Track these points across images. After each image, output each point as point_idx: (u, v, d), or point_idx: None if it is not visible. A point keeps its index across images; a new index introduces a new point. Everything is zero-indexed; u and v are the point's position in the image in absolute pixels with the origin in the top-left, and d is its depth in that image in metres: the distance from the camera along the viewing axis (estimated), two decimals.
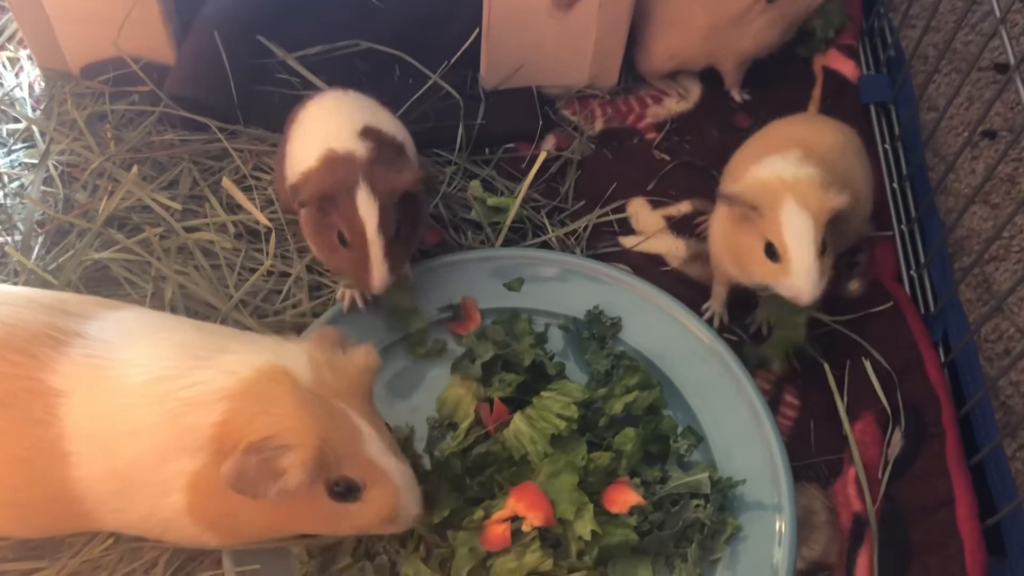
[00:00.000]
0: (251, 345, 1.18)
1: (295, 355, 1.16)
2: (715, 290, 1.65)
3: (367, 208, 1.36)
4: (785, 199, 1.39)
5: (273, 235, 1.64)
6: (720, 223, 1.51)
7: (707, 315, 1.65)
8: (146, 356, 1.16)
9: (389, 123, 1.55)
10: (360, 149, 1.42)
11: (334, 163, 1.40)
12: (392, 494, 1.16)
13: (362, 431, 1.15)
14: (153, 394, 1.12)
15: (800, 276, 1.39)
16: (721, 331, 1.62)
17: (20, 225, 1.66)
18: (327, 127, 1.49)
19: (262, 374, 1.12)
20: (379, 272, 1.38)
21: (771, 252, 1.42)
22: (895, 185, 1.82)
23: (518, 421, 1.40)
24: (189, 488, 1.13)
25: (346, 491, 1.14)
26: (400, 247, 1.41)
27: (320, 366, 1.15)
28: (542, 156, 1.77)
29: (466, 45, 1.85)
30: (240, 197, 1.65)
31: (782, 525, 1.38)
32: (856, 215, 1.54)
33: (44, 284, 1.56)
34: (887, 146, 1.88)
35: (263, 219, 1.65)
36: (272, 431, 1.08)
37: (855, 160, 1.60)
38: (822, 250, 1.40)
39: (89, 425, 1.13)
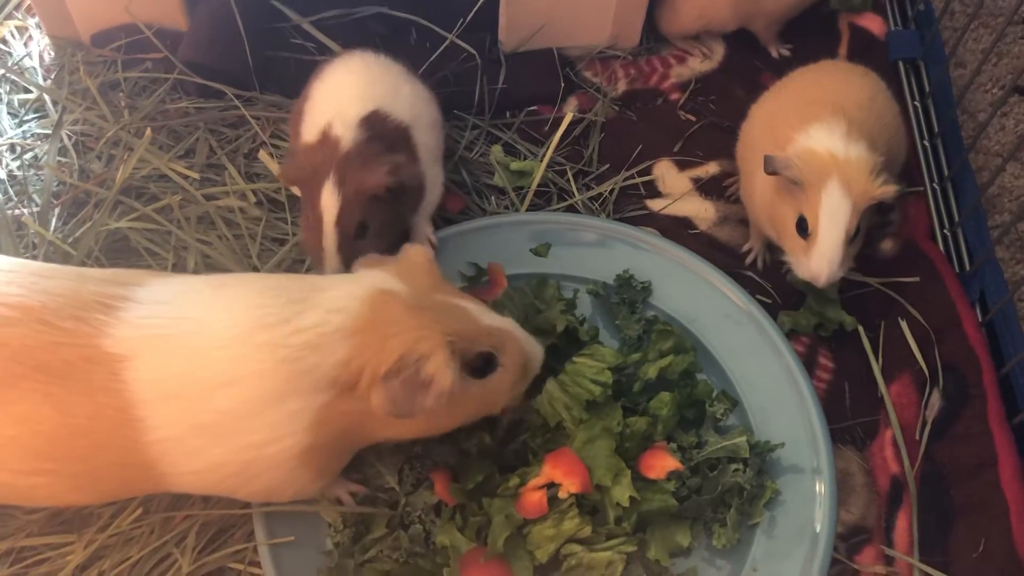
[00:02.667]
0: (342, 279, 1.20)
1: (382, 276, 1.19)
2: (754, 232, 1.64)
3: (328, 202, 1.37)
4: (830, 180, 1.36)
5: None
6: (762, 183, 1.47)
7: (750, 257, 1.64)
8: (229, 308, 1.14)
9: (405, 101, 1.51)
10: (349, 137, 1.40)
11: (321, 146, 1.40)
12: (518, 344, 1.23)
13: (467, 308, 1.20)
14: (256, 343, 1.11)
15: (822, 261, 1.38)
16: (763, 272, 1.62)
17: (36, 197, 1.63)
18: (338, 100, 1.46)
19: (369, 302, 1.14)
20: (330, 264, 1.39)
21: (802, 227, 1.40)
22: (926, 143, 1.78)
23: (551, 387, 1.37)
24: (314, 426, 1.13)
25: (486, 364, 1.20)
26: (363, 245, 1.39)
27: (404, 275, 1.19)
28: (568, 117, 1.73)
29: (480, 2, 1.80)
30: (275, 168, 1.63)
31: (821, 488, 1.36)
32: (892, 164, 1.53)
33: (64, 255, 1.53)
34: (916, 103, 1.83)
35: (295, 189, 1.61)
36: (402, 349, 1.11)
37: (885, 107, 1.57)
38: (853, 236, 1.38)
39: (164, 386, 1.11)
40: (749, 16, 1.86)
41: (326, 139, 1.41)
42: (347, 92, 1.48)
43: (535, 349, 1.27)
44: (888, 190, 1.37)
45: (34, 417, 1.10)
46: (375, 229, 1.40)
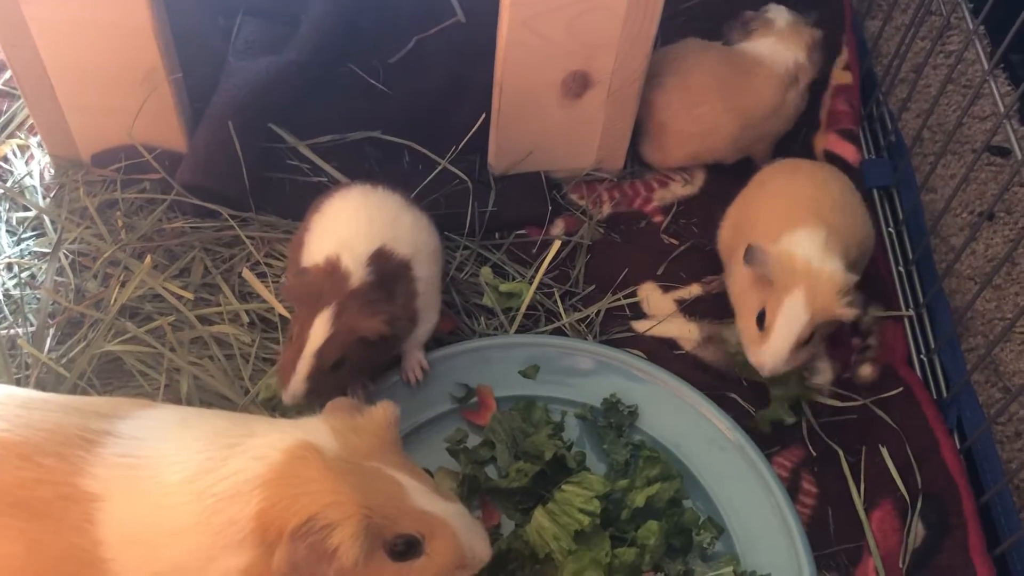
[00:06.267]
0: (274, 426, 1.17)
1: (316, 429, 1.15)
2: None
3: (319, 331, 1.39)
4: (796, 289, 1.44)
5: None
6: (740, 267, 1.54)
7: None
8: (181, 451, 1.13)
9: (407, 233, 1.55)
10: (358, 276, 1.43)
11: (329, 275, 1.43)
12: (454, 537, 1.13)
13: (403, 484, 1.12)
14: (192, 491, 1.09)
15: (769, 355, 1.47)
16: (747, 395, 1.65)
17: (31, 317, 1.65)
18: (348, 231, 1.50)
19: (290, 454, 1.10)
20: (294, 387, 1.40)
21: (760, 318, 1.49)
22: (900, 269, 1.85)
23: (540, 517, 1.39)
24: None
25: (407, 548, 1.11)
26: (333, 379, 1.42)
27: (343, 433, 1.14)
28: (555, 245, 1.78)
29: (472, 131, 1.88)
30: (260, 288, 1.66)
31: None
32: (860, 255, 1.63)
33: (57, 377, 1.55)
34: (891, 229, 1.91)
35: (282, 309, 1.65)
36: (313, 511, 1.05)
37: (854, 201, 1.67)
38: (805, 341, 1.46)
39: (128, 529, 1.09)
40: (750, 146, 1.94)
41: (335, 269, 1.44)
42: (352, 226, 1.51)
43: (479, 545, 1.17)
44: (848, 312, 1.46)
45: (4, 554, 1.09)
46: (350, 367, 1.43)
